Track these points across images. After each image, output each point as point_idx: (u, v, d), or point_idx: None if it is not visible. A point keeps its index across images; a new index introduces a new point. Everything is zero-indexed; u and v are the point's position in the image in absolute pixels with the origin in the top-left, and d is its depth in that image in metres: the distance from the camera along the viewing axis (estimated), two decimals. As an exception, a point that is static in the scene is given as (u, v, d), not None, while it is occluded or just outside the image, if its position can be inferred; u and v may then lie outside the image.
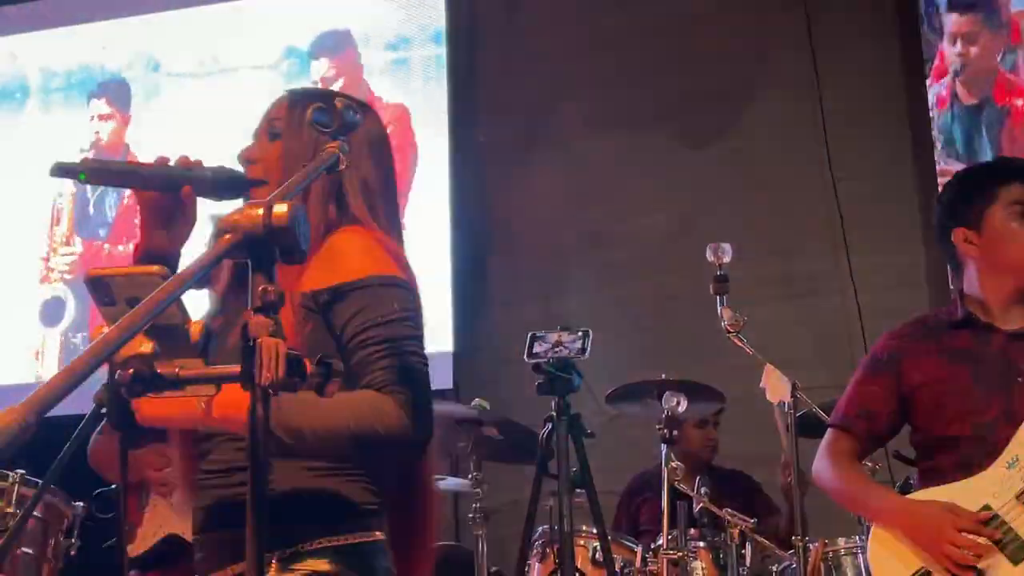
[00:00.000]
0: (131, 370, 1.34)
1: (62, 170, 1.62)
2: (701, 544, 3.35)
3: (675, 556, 3.18)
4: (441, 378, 4.95)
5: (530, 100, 5.35)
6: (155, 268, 1.34)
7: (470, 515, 3.59)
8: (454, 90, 5.26)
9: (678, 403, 3.03)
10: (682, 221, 5.06)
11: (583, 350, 3.06)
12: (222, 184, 1.73)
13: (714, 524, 3.40)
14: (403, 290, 1.75)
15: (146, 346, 1.33)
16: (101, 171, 1.68)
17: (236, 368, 1.31)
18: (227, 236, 1.31)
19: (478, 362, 5.11)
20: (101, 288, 1.37)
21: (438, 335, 5.05)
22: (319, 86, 5.27)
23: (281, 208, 1.32)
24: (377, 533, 1.70)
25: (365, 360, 1.67)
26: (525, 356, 3.14)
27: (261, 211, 1.31)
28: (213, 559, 1.69)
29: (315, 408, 1.57)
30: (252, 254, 1.32)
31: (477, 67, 5.47)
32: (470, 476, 3.59)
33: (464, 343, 5.10)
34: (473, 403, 3.68)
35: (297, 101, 1.85)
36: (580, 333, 3.09)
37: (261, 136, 1.85)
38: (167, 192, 1.71)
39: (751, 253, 4.16)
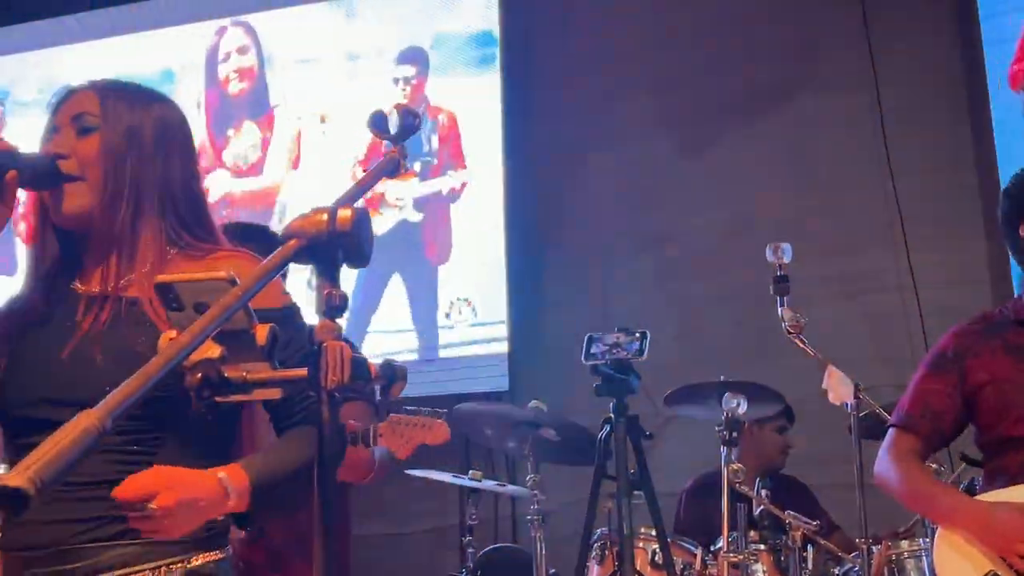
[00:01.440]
0: (200, 375, 1.36)
1: None
2: (762, 547, 3.32)
3: (736, 559, 3.15)
4: (496, 380, 4.97)
5: (585, 100, 5.34)
6: (222, 274, 1.35)
7: (528, 517, 3.59)
8: (508, 91, 5.26)
9: (738, 405, 3.00)
10: (738, 220, 5.02)
11: (641, 352, 3.05)
12: (42, 173, 1.68)
13: (775, 527, 3.36)
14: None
15: (214, 351, 1.35)
16: None
17: (303, 371, 1.33)
18: (292, 241, 1.32)
19: (533, 364, 5.11)
20: (169, 294, 1.38)
21: (494, 337, 5.07)
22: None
23: (345, 213, 1.33)
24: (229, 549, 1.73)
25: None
26: (582, 358, 3.14)
27: (326, 216, 1.32)
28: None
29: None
30: (317, 259, 1.34)
31: (532, 67, 5.47)
32: (528, 478, 3.58)
33: (519, 345, 5.10)
34: (530, 405, 3.68)
35: (109, 93, 1.76)
36: (638, 334, 3.09)
37: (65, 130, 1.72)
38: None
39: (809, 252, 4.12)
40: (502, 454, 4.98)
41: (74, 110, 1.72)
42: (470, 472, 3.83)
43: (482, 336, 5.05)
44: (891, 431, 2.64)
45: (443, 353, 5.03)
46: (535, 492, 3.53)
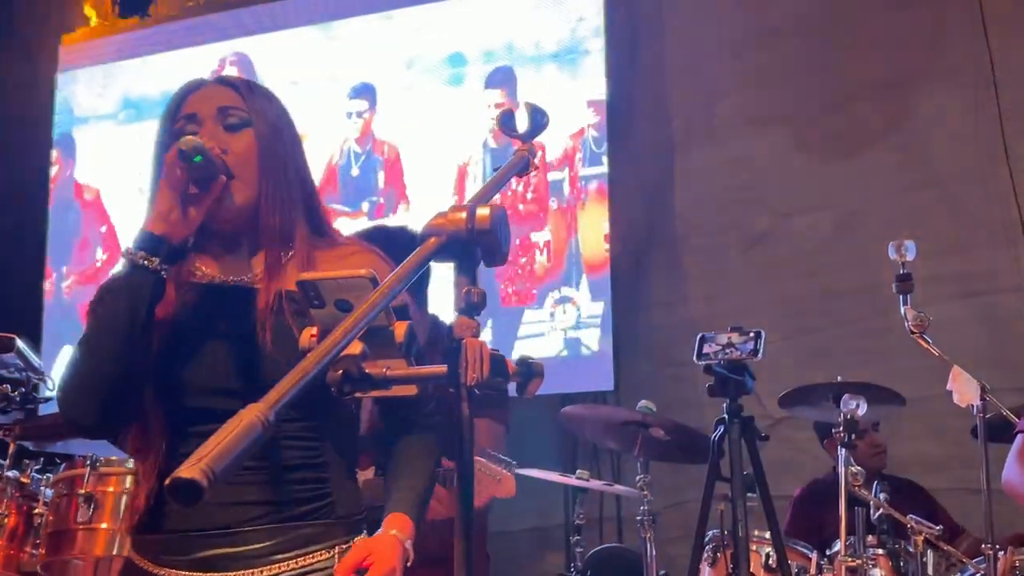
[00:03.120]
0: (341, 370, 1.38)
1: (191, 150, 1.60)
2: (880, 551, 3.25)
3: (854, 563, 3.09)
4: (602, 380, 4.95)
5: (689, 98, 5.29)
6: (363, 272, 1.37)
7: (637, 517, 3.57)
8: (612, 89, 5.24)
9: (858, 406, 2.94)
10: (847, 218, 4.92)
11: (756, 351, 3.01)
12: (212, 173, 1.66)
13: (893, 531, 3.29)
14: None
15: (355, 347, 1.36)
16: (208, 162, 1.62)
17: (442, 368, 1.34)
18: (432, 240, 1.33)
19: (637, 364, 5.08)
20: (311, 291, 1.40)
21: (599, 337, 5.05)
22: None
23: (484, 211, 1.33)
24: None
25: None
26: (695, 357, 3.11)
27: (464, 214, 1.33)
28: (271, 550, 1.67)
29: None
30: (456, 257, 1.35)
31: (636, 65, 5.44)
32: (638, 479, 3.56)
33: (624, 344, 5.08)
34: (639, 405, 3.66)
35: (244, 88, 1.75)
36: (752, 334, 3.04)
37: (210, 124, 1.70)
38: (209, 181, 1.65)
39: (923, 251, 4.01)
40: (607, 453, 4.96)
41: (217, 103, 1.71)
42: (577, 471, 3.82)
43: (586, 336, 5.04)
44: (1019, 437, 2.56)
45: (547, 353, 5.03)
46: (645, 492, 3.50)
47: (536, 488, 4.31)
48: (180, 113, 1.71)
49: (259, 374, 1.61)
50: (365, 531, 1.74)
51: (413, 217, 5.29)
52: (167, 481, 0.89)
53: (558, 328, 5.06)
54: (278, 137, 1.72)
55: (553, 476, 3.80)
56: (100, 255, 6.01)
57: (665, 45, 5.41)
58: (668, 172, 5.29)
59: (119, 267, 1.63)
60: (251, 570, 1.62)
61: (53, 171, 6.28)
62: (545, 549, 5.14)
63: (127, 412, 1.63)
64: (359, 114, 5.61)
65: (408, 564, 1.66)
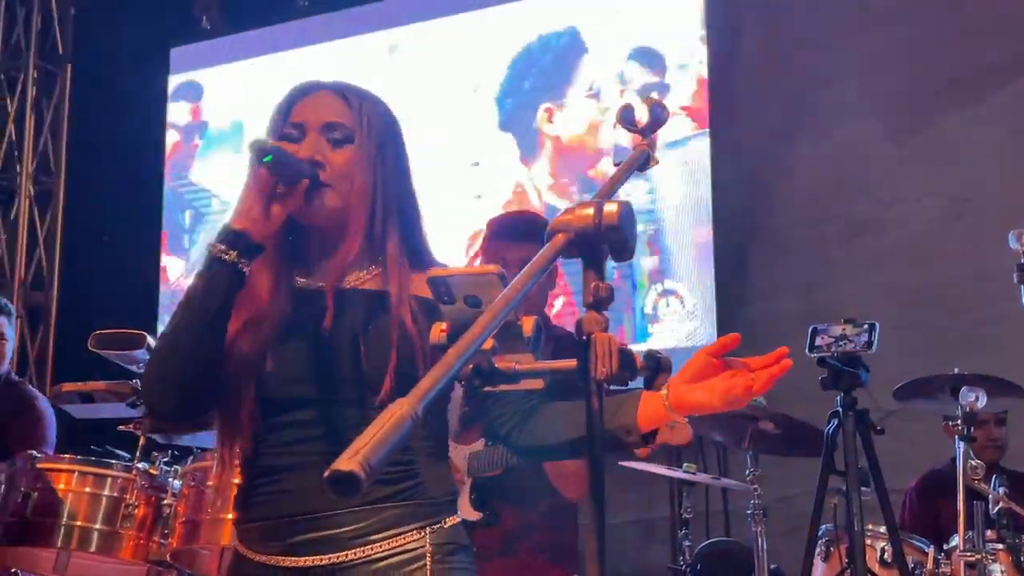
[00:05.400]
0: (471, 365, 1.40)
1: (260, 150, 1.63)
2: (1000, 546, 3.18)
3: (972, 558, 3.03)
4: (706, 373, 4.90)
5: (792, 83, 5.22)
6: (492, 268, 1.39)
7: (747, 511, 3.54)
8: (714, 78, 5.20)
9: (977, 399, 2.87)
10: (956, 205, 4.81)
11: (870, 344, 2.97)
12: (300, 179, 1.68)
13: (1014, 525, 3.21)
14: None
15: (487, 342, 1.39)
16: (283, 161, 1.64)
17: (572, 362, 1.36)
18: (560, 236, 1.35)
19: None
20: (441, 287, 1.43)
21: (701, 329, 5.03)
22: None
23: (612, 207, 1.35)
24: None
25: None
26: (806, 350, 3.08)
27: (592, 211, 1.34)
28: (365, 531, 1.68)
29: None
30: (583, 253, 1.36)
31: (737, 53, 5.38)
32: (747, 472, 3.54)
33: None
34: (748, 398, 3.62)
35: (357, 101, 1.76)
36: (866, 326, 3.00)
37: (314, 136, 1.72)
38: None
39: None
40: (711, 446, 4.93)
41: (325, 117, 1.73)
42: (684, 464, 3.81)
43: (691, 329, 5.02)
44: None
45: (650, 346, 5.02)
46: (755, 487, 3.48)
47: (640, 480, 4.31)
48: (289, 119, 1.75)
49: (353, 367, 1.66)
50: (458, 513, 1.76)
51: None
52: (326, 474, 0.92)
53: (662, 320, 5.05)
54: (379, 155, 1.75)
55: (660, 469, 3.80)
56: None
57: (767, 31, 5.34)
58: (772, 161, 5.23)
59: (201, 261, 1.66)
60: (343, 552, 1.65)
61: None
62: (650, 542, 5.13)
63: (203, 401, 1.68)
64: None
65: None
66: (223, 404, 1.70)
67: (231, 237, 1.63)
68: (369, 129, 1.75)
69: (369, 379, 1.65)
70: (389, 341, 1.67)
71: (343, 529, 1.65)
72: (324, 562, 1.65)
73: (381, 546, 1.66)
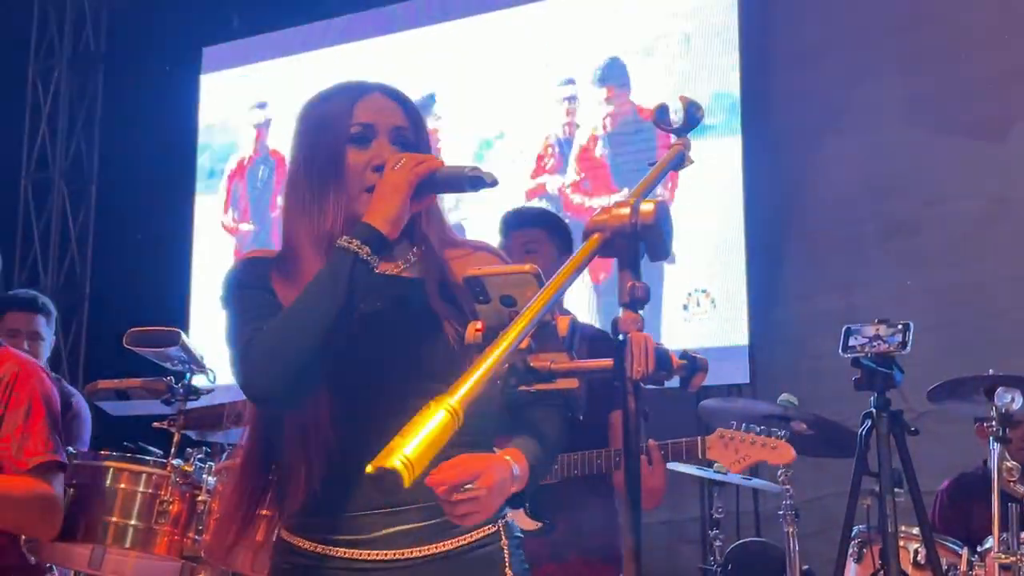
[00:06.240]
0: (507, 364, 1.40)
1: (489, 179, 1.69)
2: (1035, 549, 3.14)
3: (1007, 560, 3.00)
4: (737, 373, 4.90)
5: (828, 83, 5.18)
6: (528, 267, 1.39)
7: (779, 512, 3.52)
8: (747, 74, 5.18)
9: (1013, 400, 2.85)
10: (995, 205, 4.76)
11: (904, 344, 2.94)
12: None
13: (1049, 529, 3.17)
14: None
15: (523, 341, 1.39)
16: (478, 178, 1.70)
17: (608, 362, 1.36)
18: (596, 235, 1.35)
19: (774, 356, 5.01)
20: (477, 287, 1.43)
21: (734, 329, 5.01)
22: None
23: (648, 207, 1.34)
24: None
25: None
26: (840, 350, 3.05)
27: (628, 210, 1.34)
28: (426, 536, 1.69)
29: None
30: (620, 252, 1.36)
31: (771, 50, 5.35)
32: (780, 472, 3.52)
33: (759, 337, 5.01)
34: (780, 398, 3.60)
35: (412, 110, 1.83)
36: (900, 326, 2.97)
37: (383, 140, 1.77)
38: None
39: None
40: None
41: (392, 121, 1.79)
42: (715, 465, 3.79)
43: (721, 328, 5.00)
44: None
45: (681, 345, 5.00)
46: (788, 487, 3.46)
47: (671, 480, 4.28)
48: (354, 118, 1.78)
49: (419, 357, 1.69)
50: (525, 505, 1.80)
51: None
52: (369, 468, 0.93)
53: (693, 320, 5.03)
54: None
55: (690, 468, 3.78)
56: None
57: (802, 28, 5.31)
58: (806, 159, 5.19)
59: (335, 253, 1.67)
60: (422, 547, 1.67)
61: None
62: (680, 542, 5.12)
63: (308, 390, 1.67)
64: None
65: (511, 490, 1.66)
66: (314, 393, 1.68)
67: (371, 236, 1.65)
68: (419, 133, 1.82)
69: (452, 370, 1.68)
70: (458, 334, 1.69)
71: (419, 524, 1.67)
72: (405, 556, 1.67)
73: (458, 540, 1.68)
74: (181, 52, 6.71)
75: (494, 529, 1.72)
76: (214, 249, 6.44)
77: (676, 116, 1.68)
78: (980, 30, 4.91)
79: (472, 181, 1.70)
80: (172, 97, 6.72)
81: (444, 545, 1.68)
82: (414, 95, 1.94)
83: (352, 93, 1.80)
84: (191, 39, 6.72)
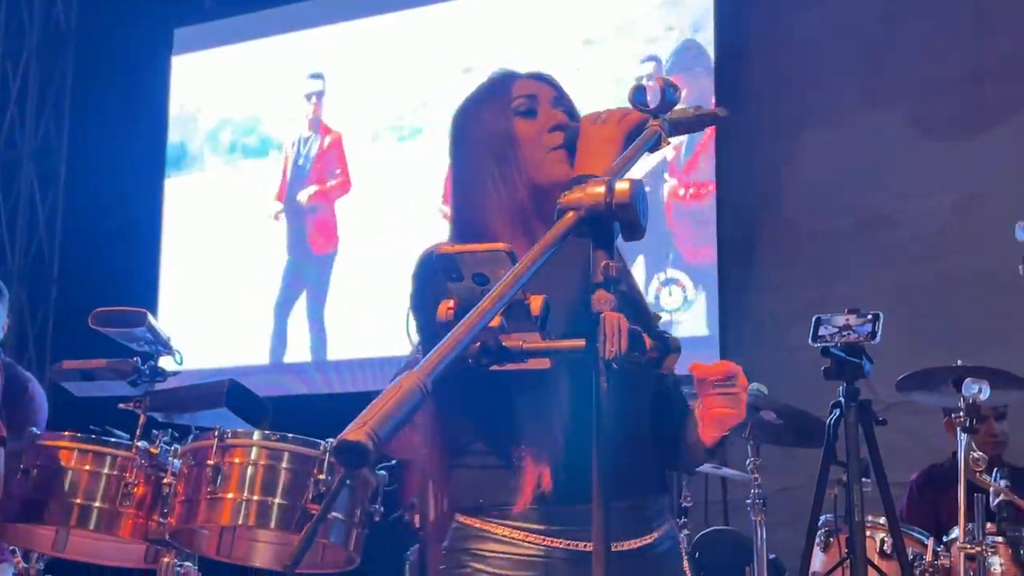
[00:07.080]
0: (478, 343, 1.39)
1: None
2: (1000, 539, 3.17)
3: (972, 550, 3.02)
4: (707, 361, 4.90)
5: (801, 75, 5.19)
6: (500, 245, 1.38)
7: (747, 500, 3.54)
8: (720, 66, 5.18)
9: (980, 391, 2.87)
10: (968, 199, 4.79)
11: (873, 334, 2.96)
12: None
13: (1014, 519, 3.20)
14: None
15: (495, 320, 1.38)
16: None
17: (580, 342, 1.35)
18: (570, 214, 1.33)
19: (745, 347, 5.02)
20: (449, 264, 1.42)
21: (705, 319, 5.02)
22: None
23: (623, 185, 1.33)
24: None
25: None
26: (810, 339, 3.07)
27: (603, 188, 1.33)
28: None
29: None
30: (594, 231, 1.34)
31: (744, 41, 5.36)
32: (748, 462, 3.53)
33: (731, 328, 5.02)
34: (751, 388, 3.60)
35: (557, 82, 1.85)
36: (869, 316, 2.99)
37: (548, 108, 1.80)
38: None
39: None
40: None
41: (549, 93, 1.82)
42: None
43: (692, 318, 5.01)
44: None
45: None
46: (756, 476, 3.47)
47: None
48: (515, 93, 1.79)
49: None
50: None
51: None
52: (333, 442, 0.91)
53: (663, 310, 5.04)
54: None
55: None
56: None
57: (776, 21, 5.31)
58: (778, 152, 5.20)
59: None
60: (643, 537, 1.67)
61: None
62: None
63: None
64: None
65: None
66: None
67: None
68: (573, 103, 1.84)
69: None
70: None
71: (627, 521, 1.66)
72: (627, 547, 1.65)
73: (661, 529, 1.70)
74: (153, 32, 6.63)
75: (673, 520, 1.75)
76: (184, 232, 6.37)
77: (653, 97, 1.67)
78: (954, 26, 4.93)
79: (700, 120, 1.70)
80: (143, 78, 6.65)
81: (639, 541, 1.67)
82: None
83: (505, 79, 1.83)
84: (163, 20, 6.65)
